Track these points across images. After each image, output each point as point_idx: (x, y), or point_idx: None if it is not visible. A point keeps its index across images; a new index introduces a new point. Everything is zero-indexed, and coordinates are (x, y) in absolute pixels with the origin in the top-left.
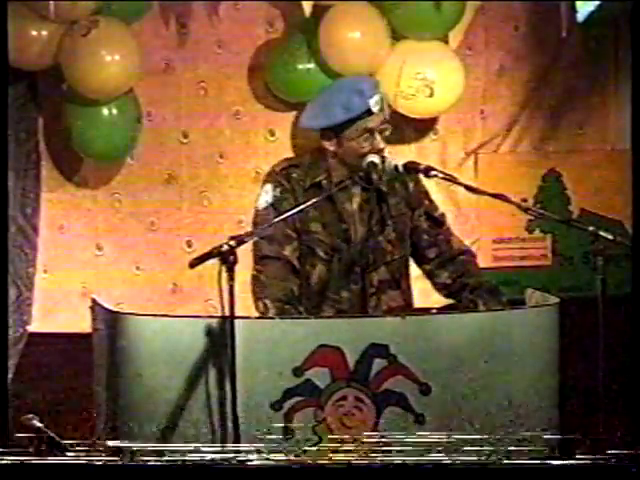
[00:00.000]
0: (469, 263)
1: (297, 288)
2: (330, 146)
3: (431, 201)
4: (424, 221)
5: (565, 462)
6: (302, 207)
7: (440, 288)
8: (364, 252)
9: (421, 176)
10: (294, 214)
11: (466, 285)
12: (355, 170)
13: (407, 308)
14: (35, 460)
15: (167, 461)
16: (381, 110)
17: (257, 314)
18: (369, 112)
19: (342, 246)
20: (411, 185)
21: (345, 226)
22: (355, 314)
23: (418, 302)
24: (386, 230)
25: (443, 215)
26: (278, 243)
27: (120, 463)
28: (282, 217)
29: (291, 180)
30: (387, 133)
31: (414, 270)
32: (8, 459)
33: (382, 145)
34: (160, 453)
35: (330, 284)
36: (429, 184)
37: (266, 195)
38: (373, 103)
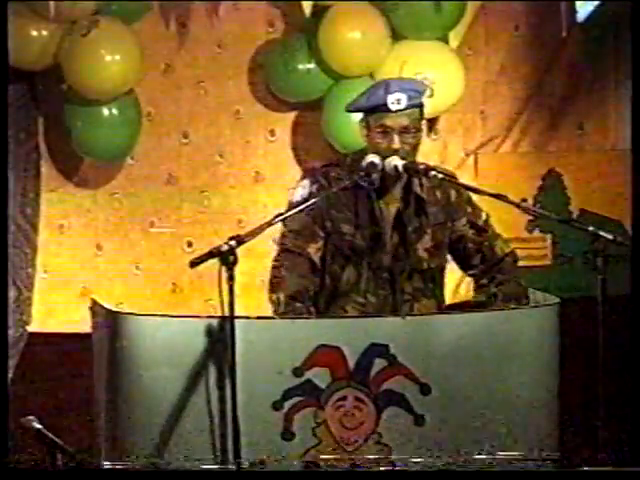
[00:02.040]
0: (508, 264)
1: (312, 287)
2: (361, 135)
3: (474, 207)
4: (468, 230)
5: (564, 463)
6: (314, 201)
7: (479, 288)
8: (398, 258)
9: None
10: (304, 208)
11: (494, 278)
12: (358, 170)
13: None
14: (34, 461)
15: (166, 462)
16: (404, 110)
17: (258, 312)
18: (385, 107)
19: (374, 250)
20: (453, 194)
21: (379, 230)
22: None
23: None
24: (424, 238)
25: (487, 220)
26: (303, 239)
27: (119, 465)
28: (290, 212)
29: (329, 178)
30: (410, 137)
31: None
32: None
33: (398, 146)
34: (159, 455)
35: (357, 287)
36: None
37: (302, 190)
38: (391, 100)
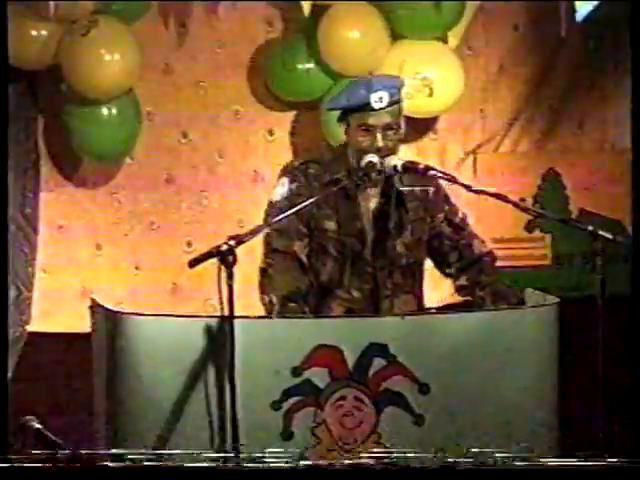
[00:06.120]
0: (488, 265)
1: (304, 285)
2: (343, 134)
3: (452, 205)
4: (446, 227)
5: (563, 463)
6: (310, 201)
7: (459, 290)
8: (378, 253)
9: (441, 181)
10: (302, 209)
11: (478, 283)
12: (354, 168)
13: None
14: (34, 461)
15: (166, 462)
16: (386, 108)
17: (257, 312)
18: (369, 107)
19: (356, 245)
20: (431, 191)
21: (360, 225)
22: (357, 314)
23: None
24: (403, 234)
25: (464, 219)
26: (289, 238)
27: (119, 464)
28: (289, 212)
29: (308, 175)
30: (392, 134)
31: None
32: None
33: (381, 144)
34: (159, 455)
35: (341, 283)
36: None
37: (281, 188)
38: (374, 98)
